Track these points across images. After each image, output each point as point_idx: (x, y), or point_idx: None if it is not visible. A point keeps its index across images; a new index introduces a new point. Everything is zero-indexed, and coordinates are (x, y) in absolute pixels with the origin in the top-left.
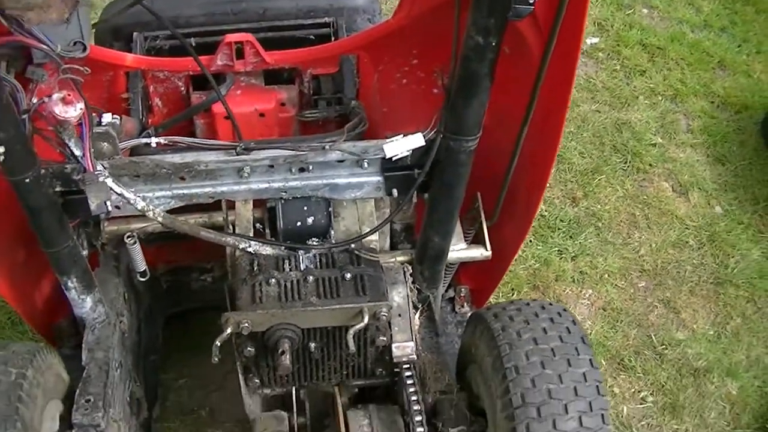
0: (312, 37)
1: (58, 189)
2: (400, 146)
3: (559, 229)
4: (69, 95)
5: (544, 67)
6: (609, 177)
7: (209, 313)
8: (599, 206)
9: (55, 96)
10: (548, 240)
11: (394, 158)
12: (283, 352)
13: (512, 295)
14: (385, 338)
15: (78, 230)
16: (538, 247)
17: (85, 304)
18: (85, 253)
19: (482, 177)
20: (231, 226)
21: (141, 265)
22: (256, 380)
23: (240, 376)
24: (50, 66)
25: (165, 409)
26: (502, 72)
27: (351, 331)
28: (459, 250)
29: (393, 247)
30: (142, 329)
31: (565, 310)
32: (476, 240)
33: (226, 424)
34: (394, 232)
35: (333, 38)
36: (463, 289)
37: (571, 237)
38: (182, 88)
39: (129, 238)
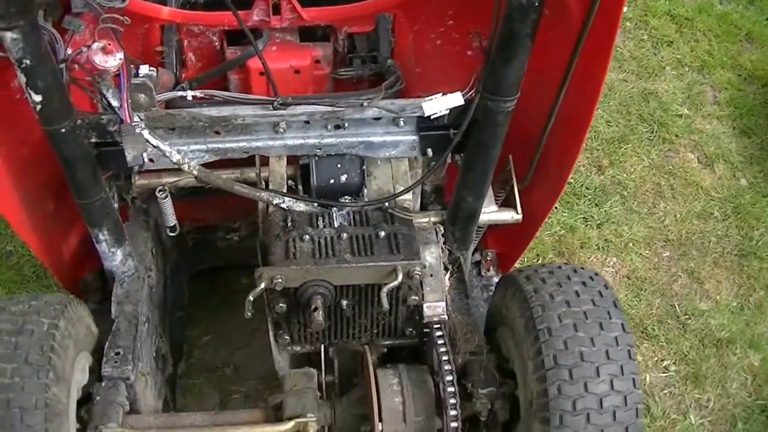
0: None
1: (93, 140)
2: (439, 105)
3: (584, 196)
4: (109, 44)
5: (586, 29)
6: (635, 146)
7: (234, 272)
8: (625, 175)
9: (96, 45)
10: (574, 207)
11: (432, 116)
12: (316, 309)
13: (537, 260)
14: (417, 297)
15: (109, 183)
16: (564, 214)
17: (115, 257)
18: (115, 206)
19: (514, 140)
20: (263, 183)
21: (171, 219)
22: (286, 337)
23: (270, 333)
24: (87, 16)
25: (190, 366)
26: (540, 34)
27: (385, 289)
28: (490, 213)
29: (423, 208)
30: (169, 285)
31: (596, 274)
32: (506, 203)
33: (250, 382)
34: (424, 193)
35: None
36: (489, 253)
37: (596, 205)
38: (216, 43)
39: (161, 192)
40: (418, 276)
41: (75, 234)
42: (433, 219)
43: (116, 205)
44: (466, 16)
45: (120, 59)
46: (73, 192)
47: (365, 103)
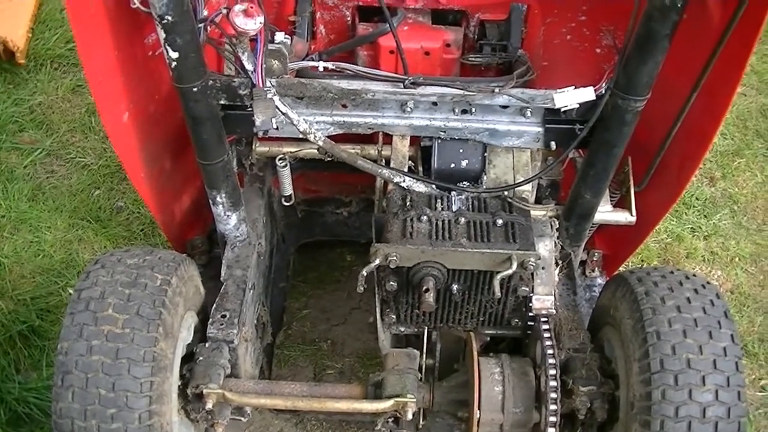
0: None
1: (222, 102)
2: (571, 98)
3: (694, 206)
4: (251, 7)
5: (725, 38)
6: (749, 161)
7: (339, 247)
8: (736, 189)
9: (238, 7)
10: (682, 216)
11: (562, 109)
12: (427, 290)
13: (641, 266)
14: (527, 289)
15: (230, 147)
16: (672, 222)
17: (229, 221)
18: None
19: (636, 141)
20: (384, 161)
21: (288, 188)
22: (393, 316)
23: (377, 310)
24: None
25: (287, 337)
26: (675, 37)
27: (498, 276)
28: (604, 212)
29: (537, 201)
30: (275, 255)
31: (709, 282)
32: (621, 204)
33: (345, 359)
34: (540, 186)
35: None
36: (596, 254)
37: (705, 216)
38: (348, 18)
39: (281, 161)
40: (531, 267)
41: (188, 195)
42: (547, 212)
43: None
44: (599, 13)
45: (260, 23)
46: (197, 152)
47: (496, 90)
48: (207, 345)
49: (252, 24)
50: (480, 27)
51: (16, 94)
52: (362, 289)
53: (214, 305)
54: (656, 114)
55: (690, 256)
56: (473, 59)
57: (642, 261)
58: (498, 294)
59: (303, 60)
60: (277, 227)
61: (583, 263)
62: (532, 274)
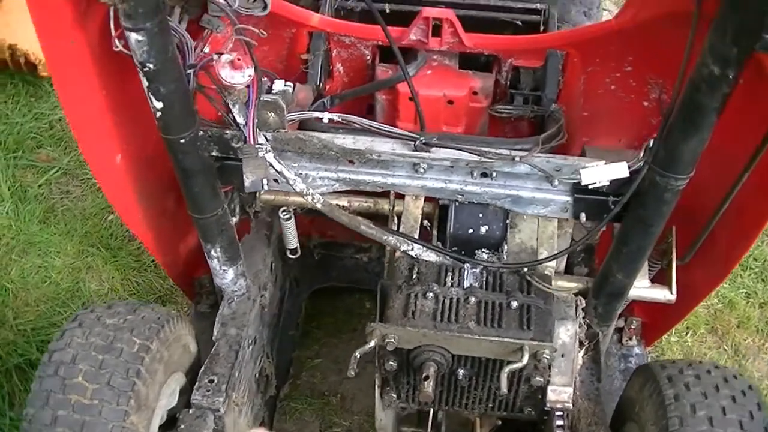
0: (519, 23)
1: (214, 153)
2: (600, 174)
3: (751, 268)
4: (239, 59)
5: None
6: None
7: (358, 293)
8: None
9: (224, 58)
10: (737, 280)
11: (590, 186)
12: (427, 377)
13: (686, 334)
14: (542, 379)
15: (231, 195)
16: (725, 286)
17: (226, 276)
18: (235, 220)
19: (682, 210)
20: (396, 218)
21: (293, 242)
22: (393, 395)
23: (376, 389)
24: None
25: (295, 388)
26: (733, 102)
27: (506, 369)
28: (640, 287)
29: (568, 269)
30: (285, 301)
31: (750, 387)
32: (660, 277)
33: (355, 416)
34: (572, 252)
35: (542, 28)
36: (634, 321)
37: (763, 280)
38: (368, 57)
39: (284, 213)
40: (546, 360)
41: (193, 234)
42: (575, 285)
43: (237, 218)
44: (647, 65)
45: (249, 76)
46: (189, 205)
47: (517, 158)
48: (191, 412)
49: (239, 77)
50: (513, 73)
51: (37, 108)
52: (353, 373)
53: (203, 368)
54: (707, 181)
55: (742, 325)
56: (502, 110)
57: (687, 328)
58: (504, 390)
59: (311, 107)
60: (291, 271)
61: (620, 330)
62: (549, 363)
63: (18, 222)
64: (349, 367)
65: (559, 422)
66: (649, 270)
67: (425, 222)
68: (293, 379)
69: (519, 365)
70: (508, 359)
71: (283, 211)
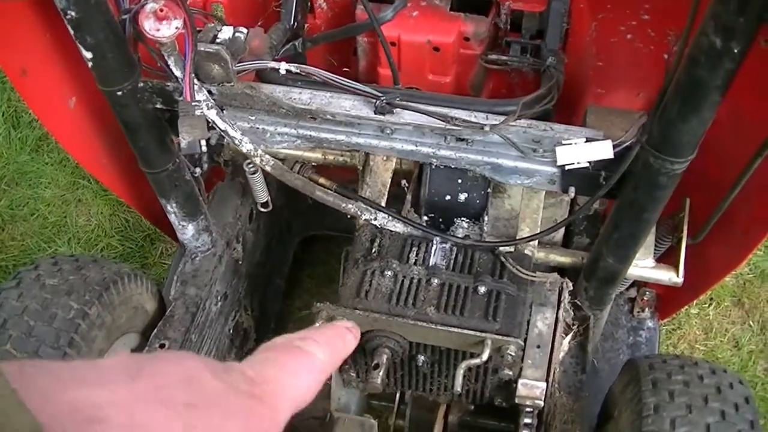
0: None
1: (158, 106)
2: (578, 155)
3: None
4: (164, 9)
5: None
6: None
7: None
8: None
9: (149, 7)
10: None
11: (566, 167)
12: (377, 366)
13: (709, 306)
14: (510, 373)
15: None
16: (758, 254)
17: (186, 231)
18: (200, 171)
19: (698, 179)
20: (367, 180)
21: (262, 195)
22: (353, 373)
23: None
24: None
25: None
26: (756, 68)
27: (463, 365)
28: (642, 267)
29: (568, 238)
30: (273, 247)
31: (741, 382)
32: (668, 255)
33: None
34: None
35: None
36: (647, 293)
37: None
38: None
39: (250, 166)
40: (511, 357)
41: None
42: (565, 259)
43: (201, 170)
44: (665, 14)
45: (177, 29)
46: (138, 159)
47: (487, 127)
48: None
49: (166, 30)
50: (514, 17)
51: None
52: None
53: (155, 331)
54: (726, 149)
55: None
56: (492, 59)
57: (711, 299)
58: (458, 389)
59: (282, 50)
60: (280, 215)
61: (632, 300)
62: (523, 352)
63: (9, 150)
64: None
65: (527, 420)
66: (657, 246)
67: (403, 182)
68: (277, 330)
69: (476, 362)
70: (469, 351)
71: (249, 163)
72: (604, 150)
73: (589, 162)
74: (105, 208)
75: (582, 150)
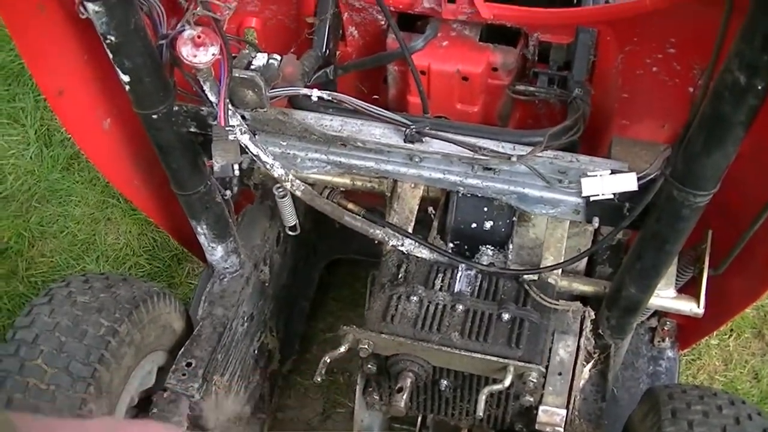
0: None
1: (192, 129)
2: (603, 186)
3: None
4: (201, 36)
5: None
6: None
7: None
8: None
9: (186, 33)
10: None
11: (591, 198)
12: (401, 389)
13: (729, 337)
14: (532, 399)
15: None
16: None
17: (215, 252)
18: (230, 193)
19: (721, 210)
20: (394, 206)
21: (290, 219)
22: (376, 396)
23: (358, 389)
24: None
25: (304, 362)
26: None
27: (485, 391)
28: (664, 298)
29: (591, 267)
30: (299, 270)
31: (760, 413)
32: (690, 286)
33: None
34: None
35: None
36: (668, 323)
37: None
38: (382, 23)
39: (279, 190)
40: (533, 383)
41: None
42: (588, 288)
43: (231, 192)
44: (691, 48)
45: (213, 55)
46: (171, 181)
47: (514, 158)
48: (165, 395)
49: (203, 56)
50: (542, 48)
51: None
52: (320, 379)
53: (182, 350)
54: (749, 181)
55: None
56: (520, 90)
57: (731, 330)
58: (480, 414)
59: (313, 77)
60: (307, 238)
61: (652, 330)
62: (544, 378)
63: (41, 167)
64: (317, 372)
65: None
66: (679, 276)
67: (429, 209)
68: (302, 352)
69: (499, 387)
70: (492, 377)
71: (278, 187)
72: (628, 182)
73: (614, 193)
74: (134, 227)
75: (607, 182)
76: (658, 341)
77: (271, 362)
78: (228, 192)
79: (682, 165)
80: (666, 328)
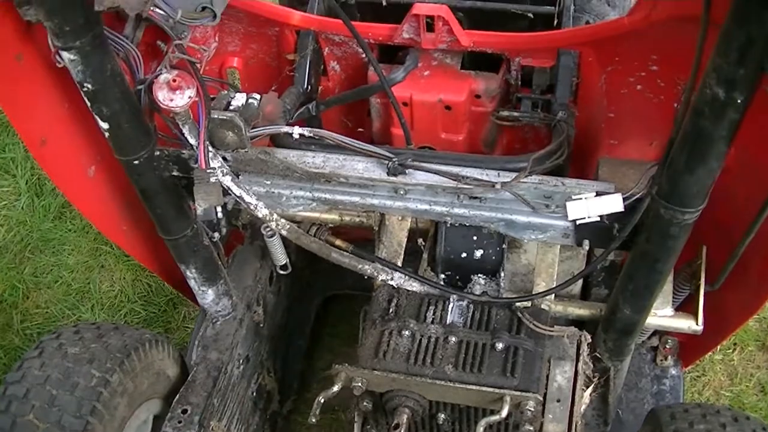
0: (531, 15)
1: (175, 173)
2: (589, 209)
3: None
4: (177, 79)
5: None
6: None
7: None
8: None
9: (162, 78)
10: None
11: (577, 222)
12: (397, 426)
13: (733, 351)
14: (531, 428)
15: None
16: None
17: (206, 296)
18: (218, 235)
19: (712, 226)
20: (383, 239)
21: (281, 258)
22: None
23: (356, 427)
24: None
25: (303, 401)
26: (763, 115)
27: (482, 423)
28: (661, 317)
29: (586, 290)
30: (294, 309)
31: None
32: (688, 303)
33: None
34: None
35: (556, 21)
36: (669, 341)
37: None
38: (363, 55)
39: (267, 230)
40: (530, 412)
41: None
42: (582, 312)
43: (219, 234)
44: (674, 65)
45: (190, 98)
46: (156, 226)
47: (498, 185)
48: None
49: (179, 99)
50: (524, 72)
51: None
52: (314, 420)
53: (177, 397)
54: (737, 196)
55: None
56: (504, 116)
57: (734, 344)
58: None
59: (295, 113)
60: (301, 276)
61: (654, 349)
62: (543, 407)
63: (33, 217)
64: (311, 413)
65: None
66: (676, 294)
67: (419, 241)
68: (302, 390)
69: (496, 418)
70: (488, 408)
71: (266, 227)
72: (614, 203)
73: (600, 216)
74: (128, 273)
75: (592, 204)
76: (661, 360)
77: (270, 403)
78: (216, 234)
79: (667, 183)
80: (668, 347)
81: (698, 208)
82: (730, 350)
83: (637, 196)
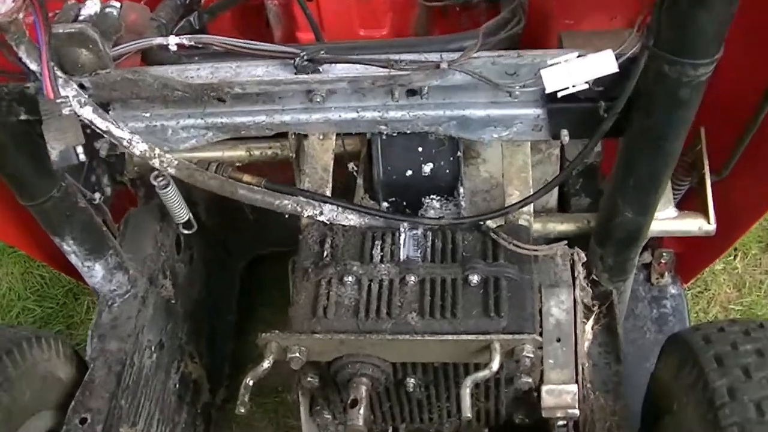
0: None
1: (23, 117)
2: (571, 75)
3: None
4: None
5: None
6: None
7: None
8: None
9: None
10: None
11: (558, 94)
12: (354, 402)
13: (735, 258)
14: (530, 380)
15: (91, 164)
16: None
17: (93, 273)
18: (100, 196)
19: (711, 105)
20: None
21: (181, 213)
22: (327, 415)
23: (302, 411)
24: None
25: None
26: None
27: (468, 383)
28: (664, 219)
29: (563, 202)
30: (213, 278)
31: None
32: (690, 202)
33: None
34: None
35: None
36: (664, 254)
37: None
38: None
39: (158, 179)
40: (527, 360)
41: None
42: (567, 227)
43: (102, 195)
44: None
45: (13, 2)
46: (14, 191)
47: (444, 64)
48: None
49: None
50: None
51: None
52: (243, 410)
53: (72, 404)
54: (741, 68)
55: None
56: None
57: (735, 250)
58: (467, 414)
59: (174, 28)
60: (216, 238)
61: (647, 266)
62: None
63: None
64: (239, 401)
65: None
66: (674, 192)
67: (350, 166)
68: (236, 377)
69: (485, 374)
70: (473, 362)
71: (156, 176)
72: (605, 63)
73: (588, 82)
74: (15, 267)
75: (575, 67)
76: (657, 278)
77: (199, 395)
78: (97, 194)
79: (669, 30)
80: (663, 262)
81: (714, 58)
82: (732, 257)
83: (628, 54)
